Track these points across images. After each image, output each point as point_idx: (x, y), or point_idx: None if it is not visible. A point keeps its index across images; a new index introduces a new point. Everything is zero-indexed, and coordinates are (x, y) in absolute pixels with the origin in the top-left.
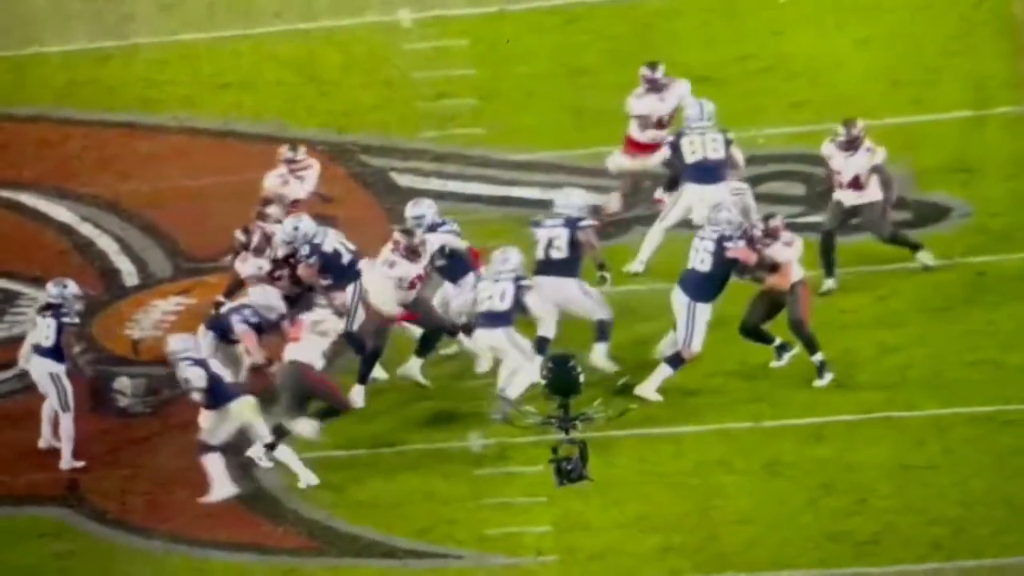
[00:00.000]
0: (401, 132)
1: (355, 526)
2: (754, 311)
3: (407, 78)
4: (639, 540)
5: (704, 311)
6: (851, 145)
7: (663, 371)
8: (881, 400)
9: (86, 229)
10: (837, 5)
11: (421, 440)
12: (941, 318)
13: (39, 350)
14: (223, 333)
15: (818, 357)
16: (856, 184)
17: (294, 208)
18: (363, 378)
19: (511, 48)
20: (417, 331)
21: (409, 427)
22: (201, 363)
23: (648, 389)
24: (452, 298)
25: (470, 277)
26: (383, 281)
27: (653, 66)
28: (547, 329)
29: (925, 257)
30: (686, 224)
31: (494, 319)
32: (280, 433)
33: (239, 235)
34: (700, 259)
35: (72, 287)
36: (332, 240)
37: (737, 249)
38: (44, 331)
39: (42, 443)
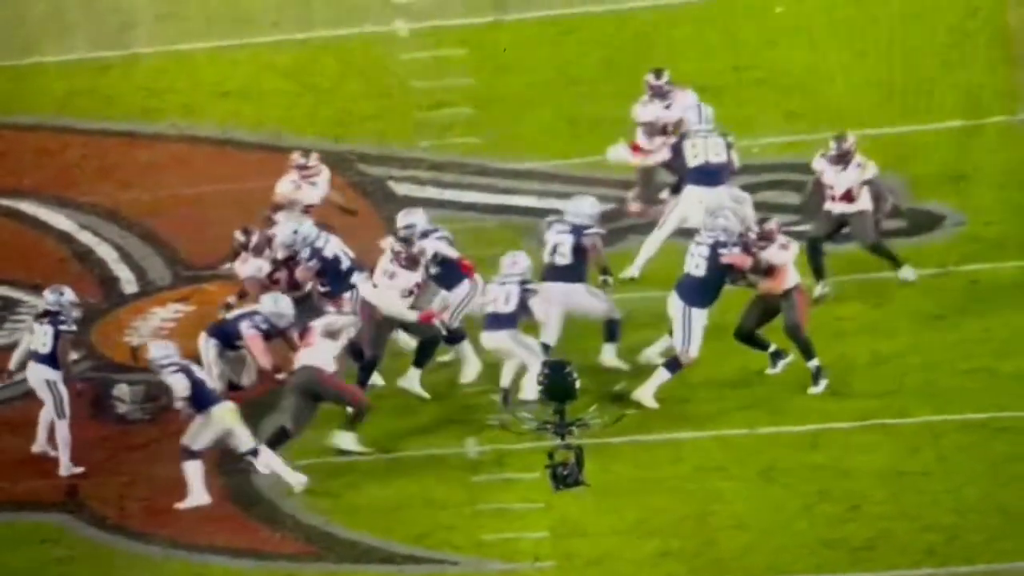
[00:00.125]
0: (398, 141)
1: (353, 531)
2: (749, 316)
3: (404, 87)
4: (636, 546)
5: (700, 316)
6: (842, 159)
7: (661, 375)
8: (876, 407)
9: (85, 237)
10: (831, 16)
11: (418, 446)
12: (935, 326)
13: (36, 357)
14: (227, 340)
15: (814, 363)
16: (848, 198)
17: (307, 214)
18: (361, 385)
19: (508, 57)
20: (411, 340)
21: (406, 433)
22: (183, 369)
23: (645, 394)
24: (452, 302)
25: (465, 284)
26: (387, 292)
27: (658, 73)
28: (549, 335)
29: (907, 273)
30: (683, 233)
31: (499, 321)
32: (281, 438)
33: (239, 235)
34: (695, 264)
35: (69, 294)
36: (334, 246)
37: (732, 255)
38: (41, 338)
39: (35, 447)
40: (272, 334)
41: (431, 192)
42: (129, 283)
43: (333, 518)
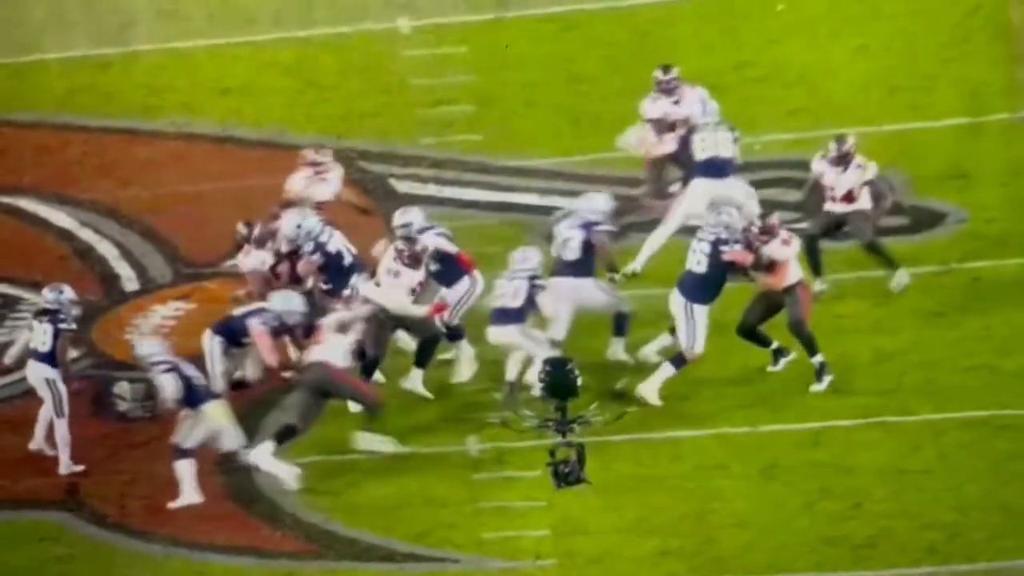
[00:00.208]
0: (400, 138)
1: (353, 530)
2: (752, 311)
3: (406, 84)
4: (637, 544)
5: (702, 312)
6: (842, 161)
7: (665, 371)
8: (877, 405)
9: (86, 235)
10: (833, 13)
11: (419, 444)
12: (937, 323)
13: (36, 355)
14: (233, 336)
15: (818, 359)
16: (849, 198)
17: (319, 211)
18: None
19: (509, 55)
20: (412, 340)
21: (407, 431)
22: (172, 368)
23: (649, 389)
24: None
25: (464, 281)
26: (393, 291)
27: (666, 69)
28: (558, 331)
29: (901, 276)
30: (685, 230)
31: (506, 316)
32: (289, 435)
33: (241, 228)
34: (697, 261)
35: (68, 292)
36: (337, 242)
37: (733, 252)
38: (40, 337)
39: (32, 445)
40: (280, 332)
41: (432, 189)
42: (130, 281)
43: (333, 516)
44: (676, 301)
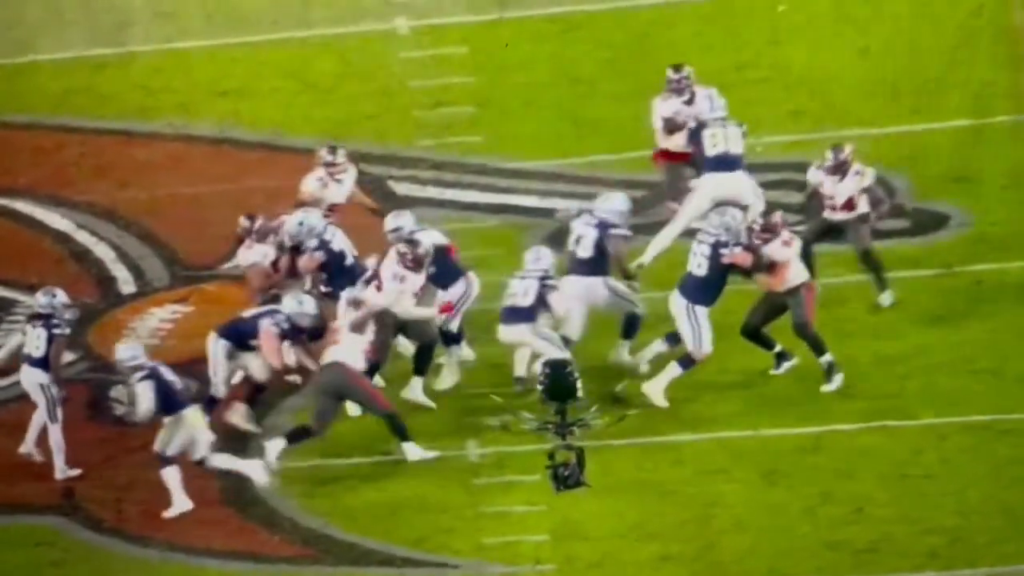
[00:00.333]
0: (398, 140)
1: (352, 534)
2: (756, 312)
3: (404, 86)
4: (637, 548)
5: (704, 313)
6: (839, 169)
7: (672, 371)
8: (879, 409)
9: (82, 237)
10: (835, 14)
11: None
12: (939, 327)
13: (29, 360)
14: (241, 339)
15: (826, 359)
16: (849, 206)
17: (332, 213)
18: None
19: (509, 56)
20: (410, 345)
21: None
22: (151, 373)
23: (655, 389)
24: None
25: (460, 283)
26: (399, 296)
27: (677, 68)
28: (572, 329)
29: (885, 298)
30: (686, 232)
31: (516, 315)
32: (302, 436)
33: (243, 221)
34: (697, 264)
35: (61, 296)
36: (340, 241)
37: (733, 254)
38: (34, 341)
39: (22, 448)
40: (290, 335)
41: (431, 192)
42: (127, 283)
43: (332, 520)
44: (677, 303)
